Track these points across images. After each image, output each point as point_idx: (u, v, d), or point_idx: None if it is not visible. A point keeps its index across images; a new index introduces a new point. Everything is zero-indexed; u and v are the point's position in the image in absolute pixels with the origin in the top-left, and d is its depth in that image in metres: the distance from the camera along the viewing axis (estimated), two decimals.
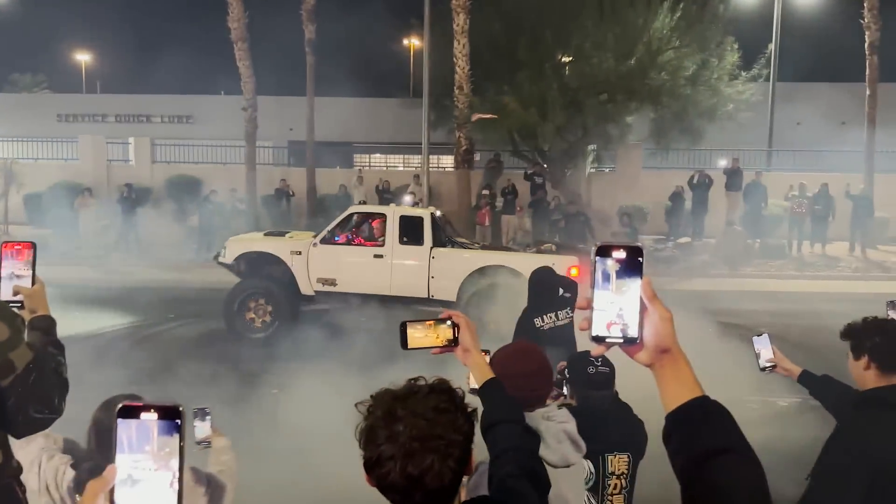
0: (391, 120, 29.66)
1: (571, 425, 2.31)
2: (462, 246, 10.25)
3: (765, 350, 2.90)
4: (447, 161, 27.67)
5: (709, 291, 13.44)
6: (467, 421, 1.37)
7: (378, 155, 33.46)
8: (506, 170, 21.58)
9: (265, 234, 10.93)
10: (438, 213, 10.54)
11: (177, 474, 0.97)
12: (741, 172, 19.21)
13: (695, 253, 17.72)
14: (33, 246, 1.87)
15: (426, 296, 9.57)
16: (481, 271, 9.50)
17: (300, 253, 9.67)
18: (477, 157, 21.48)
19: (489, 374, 1.83)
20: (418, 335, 1.80)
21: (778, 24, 22.90)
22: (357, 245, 9.81)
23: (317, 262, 9.62)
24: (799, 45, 28.43)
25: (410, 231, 9.63)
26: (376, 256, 9.56)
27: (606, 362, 2.82)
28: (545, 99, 18.29)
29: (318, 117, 21.69)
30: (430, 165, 19.07)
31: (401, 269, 9.55)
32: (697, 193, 18.64)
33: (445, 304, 9.16)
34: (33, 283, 1.72)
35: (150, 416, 0.96)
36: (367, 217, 10.16)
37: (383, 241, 9.62)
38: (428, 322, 1.82)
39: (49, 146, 24.16)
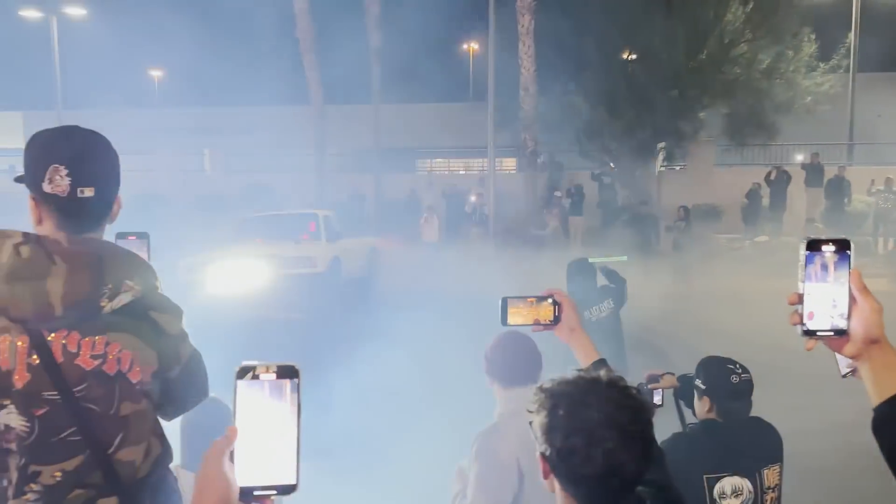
0: (453, 124, 29.81)
1: None
2: None
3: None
4: (510, 163, 27.61)
5: (789, 292, 12.93)
6: (647, 410, 1.36)
7: (440, 159, 33.67)
8: (572, 170, 21.36)
9: None
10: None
11: (295, 432, 0.98)
12: (821, 167, 18.44)
13: (773, 252, 17.10)
14: (147, 235, 1.94)
15: None
16: None
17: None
18: (540, 158, 21.33)
19: (595, 354, 1.81)
20: (521, 312, 1.80)
21: (857, 13, 21.93)
22: None
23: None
24: (880, 33, 27.11)
25: None
26: None
27: (745, 368, 2.58)
28: (613, 97, 18.02)
29: (381, 124, 21.99)
30: (494, 168, 19.05)
31: None
32: (775, 190, 17.99)
33: None
34: None
35: (268, 376, 0.98)
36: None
37: None
38: (529, 299, 1.81)
39: (128, 158, 25.21)
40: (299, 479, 1.00)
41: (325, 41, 21.32)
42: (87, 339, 1.58)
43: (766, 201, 18.23)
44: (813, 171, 18.47)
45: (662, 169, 21.63)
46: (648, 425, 1.34)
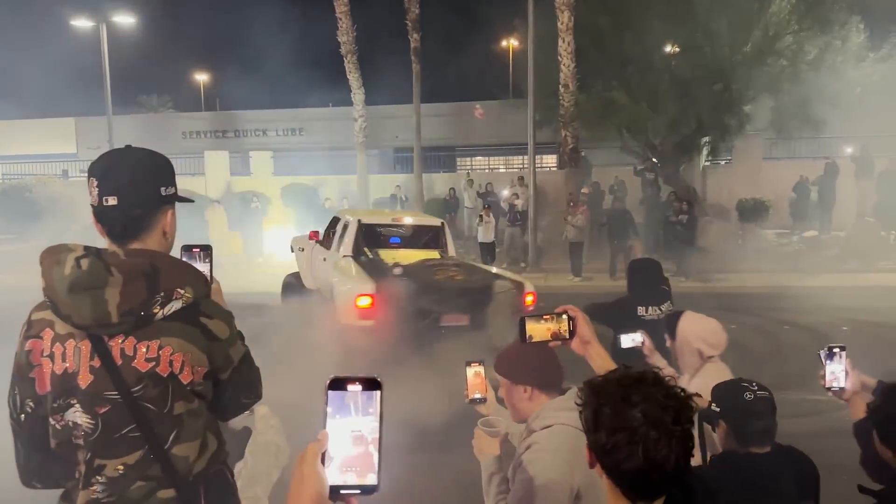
0: (492, 122, 29.80)
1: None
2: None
3: (832, 367, 2.43)
4: (549, 160, 27.50)
5: (839, 288, 12.65)
6: (690, 409, 1.41)
7: (480, 157, 33.70)
8: (614, 167, 21.18)
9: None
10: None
11: (377, 437, 1.08)
12: (871, 160, 17.94)
13: (823, 247, 16.72)
14: (210, 248, 2.06)
15: None
16: None
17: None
18: (583, 153, 21.19)
19: (611, 364, 1.86)
20: (538, 328, 1.90)
21: None
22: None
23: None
24: None
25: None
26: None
27: (763, 386, 2.32)
28: (656, 91, 17.80)
29: (421, 123, 22.10)
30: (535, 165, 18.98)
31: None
32: (824, 183, 17.58)
33: None
34: (211, 283, 1.90)
35: (354, 388, 1.08)
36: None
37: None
38: (546, 316, 1.91)
39: (176, 162, 25.87)
40: (380, 482, 1.08)
41: (366, 43, 21.55)
42: (142, 343, 1.71)
43: (814, 195, 17.82)
44: (863, 163, 17.99)
45: (707, 164, 21.31)
46: (691, 424, 1.39)
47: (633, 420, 1.35)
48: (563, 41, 18.23)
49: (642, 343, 3.41)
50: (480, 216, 16.36)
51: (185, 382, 1.76)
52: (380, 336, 7.39)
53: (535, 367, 2.36)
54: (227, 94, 43.18)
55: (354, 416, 1.08)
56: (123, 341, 1.71)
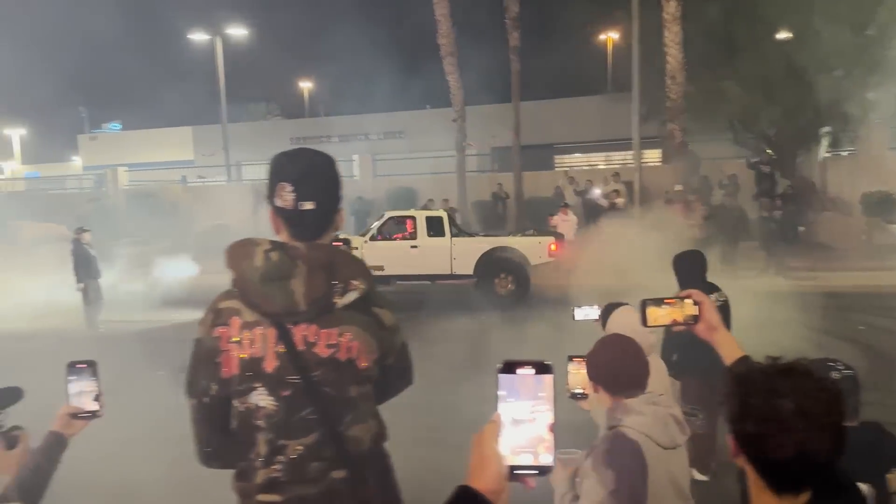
0: (591, 118, 29.27)
1: (677, 410, 2.44)
2: (470, 235, 13.49)
3: None
4: (652, 155, 26.67)
5: None
6: (841, 400, 1.38)
7: (578, 154, 33.16)
8: (724, 160, 20.30)
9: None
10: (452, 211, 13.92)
11: (550, 419, 1.10)
12: None
13: None
14: (349, 243, 2.20)
15: (449, 272, 12.68)
16: (488, 252, 12.57)
17: (357, 248, 12.26)
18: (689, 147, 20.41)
19: (739, 352, 1.83)
20: (659, 313, 1.86)
21: None
22: (397, 240, 12.86)
23: (368, 255, 12.16)
24: None
25: (434, 227, 12.80)
26: (412, 247, 12.68)
27: (849, 366, 2.46)
28: (770, 80, 16.93)
29: (519, 121, 21.96)
30: (633, 160, 18.51)
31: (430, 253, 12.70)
32: None
33: (465, 277, 12.66)
34: None
35: (525, 371, 1.10)
36: (401, 219, 13.18)
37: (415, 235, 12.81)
38: (668, 300, 1.86)
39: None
40: (555, 461, 1.10)
41: (465, 43, 21.65)
42: (324, 330, 1.82)
43: None
44: None
45: (827, 155, 20.06)
46: (842, 415, 1.36)
47: (783, 411, 1.33)
48: (670, 31, 17.67)
49: (596, 319, 3.44)
50: (559, 214, 16.06)
51: (360, 368, 1.85)
52: None
53: (605, 367, 2.39)
54: (330, 99, 44.57)
55: (527, 399, 1.10)
56: (306, 329, 1.82)
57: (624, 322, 3.15)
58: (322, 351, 1.82)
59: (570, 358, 2.59)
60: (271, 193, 1.89)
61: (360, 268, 1.90)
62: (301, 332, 1.81)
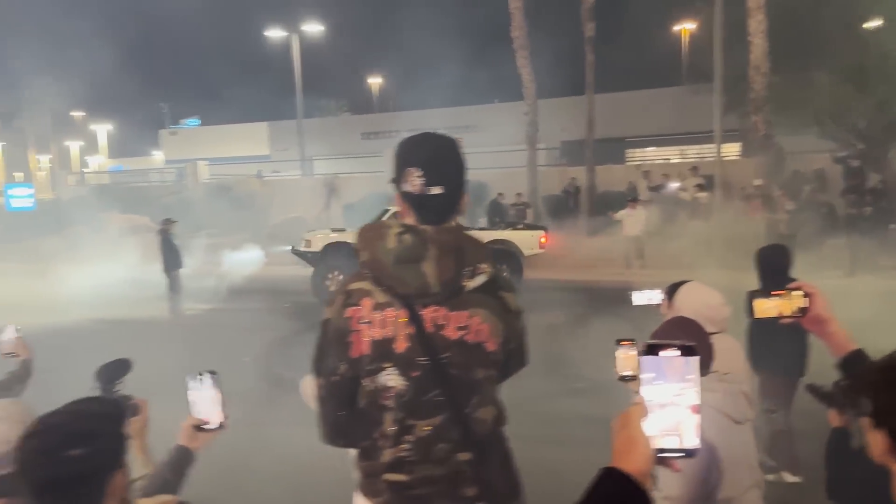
0: (665, 110, 28.51)
1: (746, 387, 2.55)
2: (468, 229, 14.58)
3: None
4: (729, 149, 25.73)
5: None
6: None
7: (651, 148, 32.36)
8: (808, 153, 19.42)
9: (332, 230, 14.48)
10: None
11: (694, 401, 1.08)
12: None
13: None
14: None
15: None
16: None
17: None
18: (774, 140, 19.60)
19: (851, 345, 1.77)
20: (767, 304, 1.82)
21: None
22: None
23: None
24: None
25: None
26: None
27: None
28: (862, 71, 16.07)
29: (591, 114, 21.56)
30: (710, 154, 17.91)
31: None
32: None
33: None
34: None
35: (671, 353, 1.10)
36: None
37: None
38: (778, 292, 1.82)
39: (357, 161, 27.43)
40: (701, 444, 1.09)
41: (538, 36, 21.40)
42: (453, 313, 1.82)
43: None
44: None
45: None
46: None
47: None
48: (754, 20, 16.97)
49: (660, 302, 3.24)
50: (627, 209, 15.59)
51: (487, 351, 1.86)
52: None
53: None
54: (398, 94, 44.98)
55: (675, 381, 1.09)
56: (436, 311, 1.82)
57: (692, 298, 3.03)
58: (451, 333, 1.82)
59: (619, 342, 2.51)
60: (399, 178, 1.90)
61: (486, 252, 1.91)
62: (431, 315, 1.83)
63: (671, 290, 3.21)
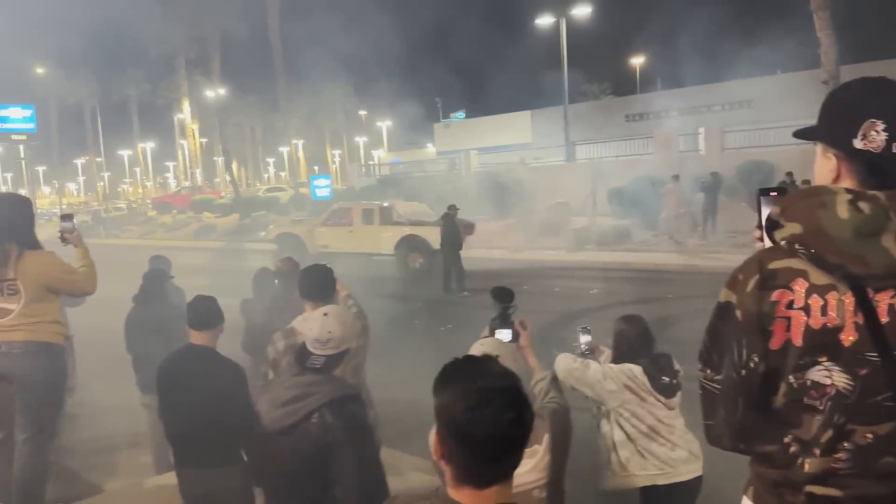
0: None
1: None
2: (399, 224, 16.64)
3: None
4: None
5: None
6: None
7: None
8: None
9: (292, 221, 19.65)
10: (386, 204, 17.49)
11: None
12: None
13: None
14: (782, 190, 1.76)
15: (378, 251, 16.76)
16: (406, 237, 16.29)
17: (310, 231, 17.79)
18: None
19: None
20: None
21: None
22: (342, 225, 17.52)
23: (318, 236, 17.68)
24: None
25: (367, 217, 17.22)
26: (349, 231, 17.28)
27: None
28: None
29: None
30: None
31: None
32: None
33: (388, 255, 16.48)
34: None
35: None
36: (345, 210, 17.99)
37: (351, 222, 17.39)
38: None
39: (622, 144, 26.70)
40: None
41: None
42: None
43: None
44: None
45: None
46: None
47: None
48: None
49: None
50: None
51: None
52: None
53: None
54: (663, 73, 42.93)
55: None
56: (893, 296, 1.51)
57: None
58: None
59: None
60: (844, 133, 1.58)
61: None
62: (887, 301, 1.50)
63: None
